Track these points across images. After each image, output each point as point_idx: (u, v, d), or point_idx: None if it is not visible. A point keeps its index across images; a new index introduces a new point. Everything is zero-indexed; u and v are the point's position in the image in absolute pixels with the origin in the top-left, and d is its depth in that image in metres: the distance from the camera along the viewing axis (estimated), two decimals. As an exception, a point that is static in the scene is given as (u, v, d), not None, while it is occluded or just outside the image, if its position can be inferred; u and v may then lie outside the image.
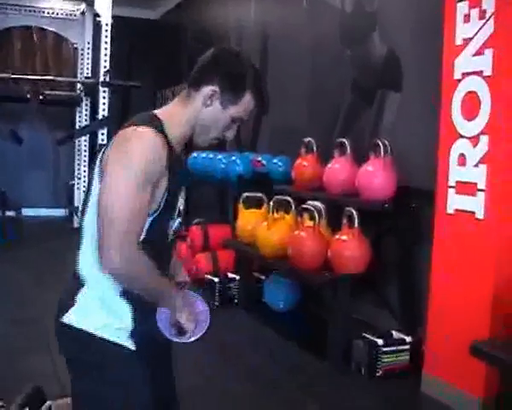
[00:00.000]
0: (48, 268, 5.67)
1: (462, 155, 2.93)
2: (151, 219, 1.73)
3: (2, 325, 4.14)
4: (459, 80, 2.94)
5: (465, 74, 2.91)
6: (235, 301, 4.70)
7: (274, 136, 5.34)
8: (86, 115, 7.14)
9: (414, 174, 3.61)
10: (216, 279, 4.67)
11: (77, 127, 7.09)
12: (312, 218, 3.69)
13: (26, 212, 7.70)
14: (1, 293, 4.95)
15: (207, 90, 1.86)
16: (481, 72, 2.81)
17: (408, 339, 3.44)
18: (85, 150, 7.16)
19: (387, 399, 3.22)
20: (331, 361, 3.55)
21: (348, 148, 3.86)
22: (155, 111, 1.86)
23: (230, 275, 4.76)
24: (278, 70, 5.22)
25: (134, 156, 1.66)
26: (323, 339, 3.64)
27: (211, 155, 5.26)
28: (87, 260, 1.82)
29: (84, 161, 7.12)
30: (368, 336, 3.44)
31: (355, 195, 3.71)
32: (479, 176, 2.83)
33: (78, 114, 7.18)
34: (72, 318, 1.84)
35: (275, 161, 4.89)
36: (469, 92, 2.88)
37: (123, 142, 1.70)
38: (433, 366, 3.16)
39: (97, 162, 1.74)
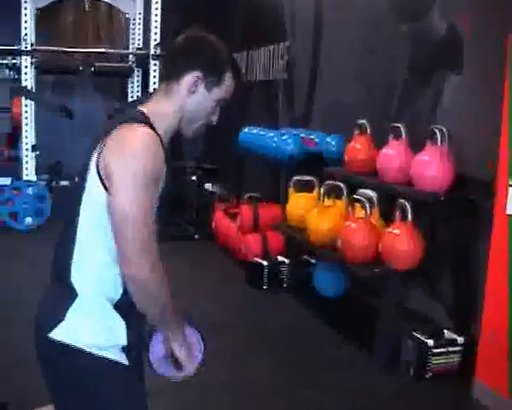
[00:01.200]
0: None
1: (525, 155, 2.73)
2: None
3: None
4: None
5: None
6: (284, 285, 4.61)
7: (327, 113, 5.16)
8: (138, 87, 7.05)
9: (473, 164, 3.42)
10: (265, 263, 4.58)
11: (129, 99, 7.02)
12: (364, 208, 3.54)
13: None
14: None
15: (190, 77, 1.81)
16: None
17: (460, 340, 3.29)
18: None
19: (435, 403, 3.10)
20: (378, 358, 3.44)
21: (403, 133, 3.67)
22: (140, 108, 1.79)
23: (280, 258, 4.66)
24: (332, 44, 5.02)
25: (140, 159, 1.63)
26: (372, 332, 3.52)
27: (262, 132, 5.12)
28: (83, 272, 1.76)
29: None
30: (418, 335, 3.30)
31: (409, 183, 3.54)
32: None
33: (130, 85, 7.09)
34: (61, 333, 1.77)
35: (328, 139, 4.72)
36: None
37: (124, 144, 1.66)
38: (485, 373, 3.01)
39: (92, 164, 1.67)
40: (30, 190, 5.61)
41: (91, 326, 1.78)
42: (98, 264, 1.77)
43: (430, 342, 3.24)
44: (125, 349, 1.81)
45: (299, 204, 4.24)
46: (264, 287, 4.57)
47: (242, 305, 4.37)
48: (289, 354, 3.60)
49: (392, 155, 3.71)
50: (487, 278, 3.00)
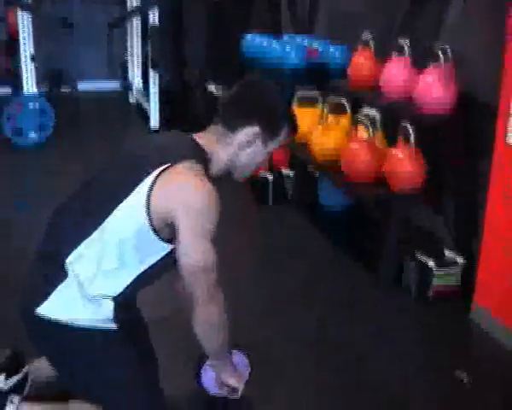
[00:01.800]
0: (102, 155, 5.63)
1: (526, 86, 2.70)
2: None
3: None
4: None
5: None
6: (289, 198, 4.65)
7: (331, 20, 5.05)
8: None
9: (477, 84, 3.37)
10: (270, 177, 4.60)
11: (128, 7, 6.89)
12: (367, 129, 3.53)
13: (82, 87, 7.65)
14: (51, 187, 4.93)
15: (248, 132, 1.92)
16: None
17: (460, 261, 3.35)
18: (137, 30, 6.97)
19: (434, 323, 3.19)
20: (381, 277, 3.52)
21: (407, 50, 3.61)
22: (198, 141, 1.90)
23: (285, 171, 4.68)
24: None
25: (208, 215, 1.80)
26: (375, 249, 3.58)
27: (265, 42, 5.03)
28: (82, 265, 1.85)
29: (137, 41, 6.94)
30: (420, 256, 3.36)
31: (413, 102, 3.51)
32: (545, 110, 2.62)
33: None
34: (47, 310, 1.87)
35: (331, 50, 4.65)
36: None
37: (190, 198, 1.79)
38: (483, 296, 3.10)
39: (140, 194, 1.79)
40: (32, 105, 5.55)
41: (79, 303, 1.87)
42: (102, 269, 1.85)
43: (431, 263, 3.30)
44: (114, 320, 1.92)
45: (304, 119, 4.19)
46: (270, 202, 4.60)
47: (249, 221, 4.40)
48: (294, 270, 3.66)
49: (395, 73, 3.66)
50: (487, 206, 3.02)
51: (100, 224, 1.82)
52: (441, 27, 3.70)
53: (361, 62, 3.99)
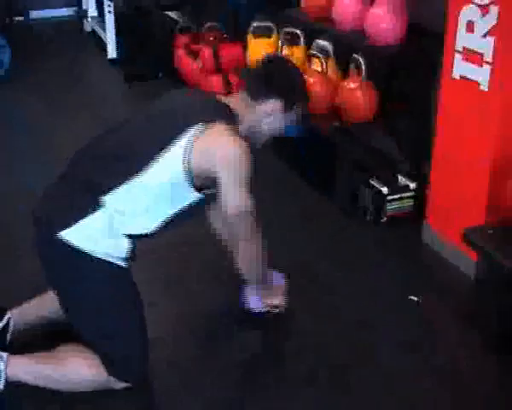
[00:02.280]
0: (61, 89, 5.65)
1: (470, 22, 2.82)
2: None
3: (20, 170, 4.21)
4: None
5: None
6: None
7: None
8: None
9: (427, 14, 3.47)
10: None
11: None
12: (320, 62, 3.64)
13: (34, 14, 7.53)
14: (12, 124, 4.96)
15: (271, 104, 2.27)
16: None
17: (412, 185, 3.53)
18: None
19: (389, 245, 3.38)
20: (337, 202, 3.69)
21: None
22: (225, 102, 2.24)
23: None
24: None
25: (244, 167, 2.12)
26: (331, 175, 3.72)
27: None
28: (117, 204, 2.10)
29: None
30: (374, 183, 3.53)
31: (364, 34, 3.60)
32: (486, 48, 2.75)
33: None
34: (72, 236, 2.09)
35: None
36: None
37: (227, 154, 2.10)
38: (434, 218, 3.28)
39: (176, 151, 2.07)
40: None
41: (100, 237, 2.11)
42: (134, 209, 2.13)
43: (385, 189, 3.48)
44: (125, 260, 2.17)
45: (259, 49, 4.30)
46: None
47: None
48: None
49: (347, 4, 3.73)
50: (436, 138, 3.18)
51: (141, 169, 2.08)
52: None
53: (313, -7, 4.03)
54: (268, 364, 2.56)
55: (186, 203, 2.19)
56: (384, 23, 3.45)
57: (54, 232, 2.09)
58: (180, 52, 5.58)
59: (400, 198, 3.51)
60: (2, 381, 2.22)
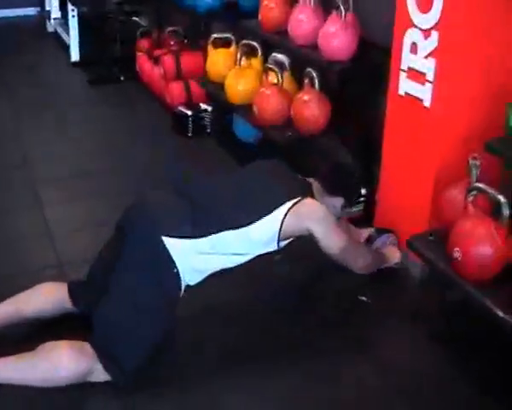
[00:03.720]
0: (27, 92, 5.75)
1: (414, 44, 3.05)
2: None
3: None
4: (414, -32, 2.96)
5: (420, -36, 2.93)
6: (208, 130, 4.94)
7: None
8: None
9: (377, 30, 3.68)
10: (189, 112, 4.87)
11: None
12: (276, 75, 3.84)
13: (-4, 13, 7.59)
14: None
15: (339, 201, 2.98)
16: (434, -33, 2.84)
17: (363, 191, 3.74)
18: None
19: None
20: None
21: (312, -4, 3.87)
22: (311, 187, 2.91)
23: (203, 106, 4.95)
24: None
25: (329, 216, 2.81)
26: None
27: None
28: (220, 245, 2.56)
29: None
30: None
31: (317, 48, 3.79)
32: (428, 68, 2.98)
33: None
34: (172, 244, 2.47)
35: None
36: (423, -16, 2.93)
37: (317, 213, 2.76)
38: (383, 223, 3.49)
39: (277, 215, 2.64)
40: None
41: (186, 259, 2.51)
42: (229, 251, 2.62)
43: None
44: (186, 288, 2.55)
45: (219, 60, 4.50)
46: (189, 134, 4.88)
47: (170, 153, 4.67)
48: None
49: (301, 19, 3.93)
50: (383, 145, 3.41)
51: (250, 223, 2.60)
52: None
53: (270, 6, 4.22)
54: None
55: (260, 253, 2.70)
56: (336, 39, 3.66)
57: (159, 233, 2.47)
58: (142, 57, 5.73)
59: (352, 203, 3.70)
60: None
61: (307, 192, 2.80)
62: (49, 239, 3.52)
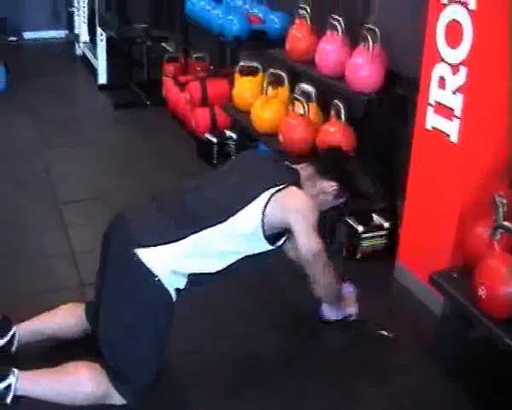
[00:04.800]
0: (53, 114, 5.82)
1: (442, 79, 3.04)
2: None
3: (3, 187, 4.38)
4: (445, 5, 2.97)
5: (451, 1, 2.93)
6: (233, 157, 4.95)
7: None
8: None
9: (403, 62, 3.69)
10: (214, 139, 4.89)
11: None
12: (303, 106, 3.85)
13: (28, 35, 7.71)
14: (3, 144, 5.11)
15: (330, 185, 2.69)
16: (466, 3, 2.85)
17: (386, 225, 3.74)
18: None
19: (363, 281, 3.53)
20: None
21: (340, 27, 3.89)
22: (297, 173, 2.67)
23: (228, 133, 4.97)
24: None
25: (313, 215, 2.56)
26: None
27: (207, 7, 5.24)
28: (200, 243, 2.43)
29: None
30: (349, 221, 3.74)
31: (344, 79, 3.80)
32: (456, 103, 2.97)
33: None
34: (145, 255, 2.38)
35: (272, 17, 4.91)
36: (454, 20, 2.93)
37: (299, 206, 2.53)
38: (405, 258, 3.49)
39: (258, 204, 2.46)
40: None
41: (167, 266, 2.41)
42: (213, 251, 2.48)
43: (360, 227, 3.69)
44: (178, 291, 2.47)
45: (245, 88, 4.52)
46: (214, 161, 4.90)
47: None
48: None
49: (329, 50, 3.95)
50: (408, 180, 3.40)
51: (227, 219, 2.45)
52: (372, 6, 3.99)
53: (298, 36, 4.25)
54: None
55: (250, 252, 2.55)
56: (363, 71, 3.67)
57: (130, 247, 2.39)
58: (168, 82, 5.78)
59: (374, 236, 3.71)
60: (11, 394, 2.41)
61: (293, 180, 2.59)
62: (72, 259, 3.56)
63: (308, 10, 4.19)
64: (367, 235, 3.70)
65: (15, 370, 2.45)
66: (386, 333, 3.11)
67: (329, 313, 3.01)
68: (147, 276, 2.38)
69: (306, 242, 2.54)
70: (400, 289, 3.49)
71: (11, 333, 2.68)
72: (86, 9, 7.02)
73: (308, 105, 3.83)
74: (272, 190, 2.48)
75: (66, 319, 2.77)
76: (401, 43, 3.71)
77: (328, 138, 3.74)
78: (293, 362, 2.91)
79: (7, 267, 3.45)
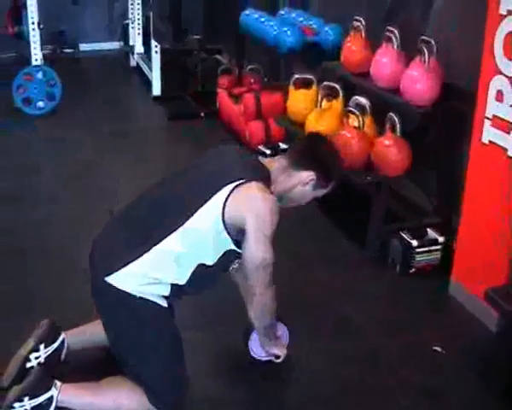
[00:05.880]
0: (107, 125, 5.90)
1: (500, 92, 2.99)
2: None
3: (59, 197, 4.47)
4: (504, 16, 2.93)
5: (510, 12, 2.89)
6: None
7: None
8: None
9: (460, 75, 3.65)
10: (268, 151, 4.89)
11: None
12: (358, 119, 3.83)
13: (84, 47, 7.86)
14: (59, 155, 5.21)
15: (306, 175, 2.48)
16: (526, 15, 2.80)
17: (440, 239, 3.68)
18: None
19: (416, 296, 3.53)
20: (369, 253, 3.85)
21: (395, 40, 3.86)
22: (266, 165, 2.48)
23: (282, 145, 4.97)
24: None
25: (269, 221, 2.31)
26: (364, 224, 3.88)
27: (262, 19, 5.26)
28: (169, 248, 2.31)
29: (138, 6, 7.12)
30: (404, 235, 3.69)
31: (399, 92, 3.78)
32: (514, 117, 2.92)
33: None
34: (117, 280, 2.32)
35: (326, 29, 4.91)
36: (512, 33, 2.88)
37: (257, 207, 2.31)
38: (460, 273, 3.43)
39: (218, 200, 2.30)
40: (40, 75, 5.80)
41: (143, 279, 2.34)
42: (178, 255, 2.34)
43: (414, 242, 3.64)
44: (166, 298, 2.40)
45: (299, 100, 4.51)
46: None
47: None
48: (292, 244, 3.92)
49: (384, 62, 3.92)
50: (464, 196, 3.35)
51: (187, 218, 2.31)
52: (428, 18, 3.95)
53: (353, 49, 4.23)
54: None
55: (221, 253, 2.39)
56: (419, 84, 3.64)
57: (103, 280, 2.34)
58: (222, 94, 5.81)
59: (429, 251, 3.66)
60: (54, 406, 2.45)
61: (259, 175, 2.39)
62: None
63: (363, 22, 4.16)
64: (421, 249, 3.64)
65: (58, 382, 2.48)
66: (439, 349, 3.05)
67: (257, 349, 2.77)
68: (127, 299, 2.33)
69: (253, 246, 2.29)
70: (455, 305, 3.43)
71: (60, 339, 2.71)
72: (141, 21, 7.11)
73: (363, 118, 3.79)
74: (233, 185, 2.31)
75: None
76: (458, 55, 3.66)
77: (384, 152, 3.70)
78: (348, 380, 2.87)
79: (59, 273, 3.53)
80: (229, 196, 2.30)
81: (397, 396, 2.79)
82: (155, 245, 2.32)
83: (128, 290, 2.33)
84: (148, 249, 2.32)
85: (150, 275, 2.35)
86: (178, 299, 2.54)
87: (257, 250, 2.30)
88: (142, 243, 2.35)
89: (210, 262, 2.39)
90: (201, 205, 2.31)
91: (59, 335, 2.72)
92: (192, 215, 2.31)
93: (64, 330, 2.75)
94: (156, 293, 2.38)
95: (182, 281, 2.39)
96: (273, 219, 2.32)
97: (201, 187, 2.39)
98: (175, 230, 2.32)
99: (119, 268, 2.32)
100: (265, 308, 2.47)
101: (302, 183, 2.49)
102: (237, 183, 2.32)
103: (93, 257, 2.46)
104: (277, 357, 2.74)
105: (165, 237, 2.32)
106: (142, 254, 2.32)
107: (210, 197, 2.31)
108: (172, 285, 2.41)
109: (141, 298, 2.34)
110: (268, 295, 2.42)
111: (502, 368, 2.83)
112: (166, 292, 2.40)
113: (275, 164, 2.51)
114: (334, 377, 2.89)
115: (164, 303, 2.42)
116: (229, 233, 2.34)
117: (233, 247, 2.38)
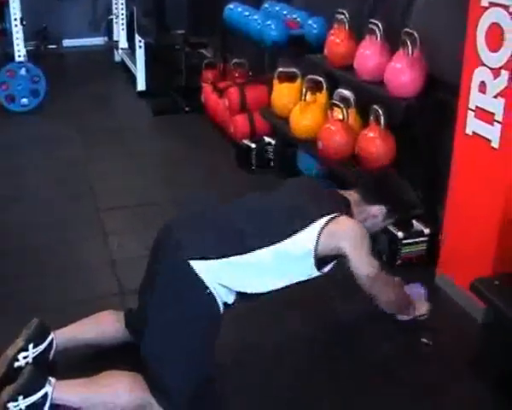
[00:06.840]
0: (93, 121, 5.89)
1: (482, 83, 3.00)
2: None
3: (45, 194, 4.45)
4: (485, 8, 2.94)
5: (492, 4, 2.90)
6: (271, 164, 4.95)
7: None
8: None
9: (443, 67, 3.65)
10: (253, 145, 4.90)
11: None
12: (342, 111, 3.83)
13: (67, 43, 7.82)
14: (46, 153, 5.20)
15: (376, 209, 2.80)
16: (506, 6, 2.81)
17: (426, 231, 3.70)
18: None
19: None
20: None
21: (378, 32, 3.86)
22: (346, 201, 2.74)
23: (267, 139, 4.97)
24: None
25: (365, 242, 2.61)
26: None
27: (246, 12, 5.25)
28: (261, 259, 2.47)
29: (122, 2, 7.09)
30: (390, 228, 3.70)
31: (383, 85, 3.79)
32: (496, 108, 2.93)
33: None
34: (199, 267, 2.41)
35: (310, 22, 4.90)
36: (494, 24, 2.89)
37: (354, 234, 2.59)
38: (446, 264, 3.45)
39: (312, 232, 2.50)
40: (24, 72, 5.77)
41: (218, 279, 2.44)
42: (258, 272, 2.53)
43: (400, 234, 3.65)
44: (226, 305, 2.50)
45: (284, 94, 4.52)
46: (253, 167, 4.91)
47: (234, 187, 4.65)
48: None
49: (367, 55, 3.93)
50: (449, 188, 3.36)
51: (283, 239, 2.49)
52: (411, 11, 3.96)
53: (336, 41, 4.24)
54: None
55: (299, 279, 2.62)
56: (403, 76, 3.65)
57: (183, 259, 2.41)
58: (207, 88, 5.80)
59: (415, 243, 3.67)
60: (48, 403, 2.43)
61: (343, 209, 2.66)
62: (112, 267, 3.59)
63: (346, 15, 4.16)
64: (407, 241, 3.65)
65: (52, 379, 2.47)
66: (426, 341, 3.06)
67: (400, 316, 3.04)
68: (199, 287, 2.41)
69: (361, 267, 2.58)
70: (441, 296, 3.43)
71: (49, 339, 2.69)
72: (125, 17, 7.08)
73: (347, 111, 3.80)
74: (328, 217, 2.53)
75: (103, 326, 2.79)
76: (441, 47, 3.66)
77: (368, 144, 3.71)
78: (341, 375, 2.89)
79: (47, 274, 3.50)
80: (324, 227, 2.51)
81: (383, 388, 2.79)
82: (248, 252, 2.46)
83: (205, 280, 2.41)
84: (241, 253, 2.45)
85: (228, 277, 2.47)
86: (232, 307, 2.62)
87: (366, 268, 2.58)
88: (235, 246, 2.46)
89: (282, 282, 2.59)
90: (301, 229, 2.50)
91: (48, 334, 2.71)
92: (289, 237, 2.48)
93: (53, 330, 2.74)
94: (223, 298, 2.49)
95: (250, 291, 2.55)
96: (367, 238, 2.61)
97: (300, 213, 2.57)
98: (265, 246, 2.47)
99: (206, 258, 2.41)
100: (395, 303, 2.86)
101: (374, 215, 2.78)
102: (331, 215, 2.54)
103: (176, 235, 2.51)
104: (423, 315, 3.04)
105: (260, 247, 2.47)
106: (234, 255, 2.45)
107: (308, 225, 2.50)
108: (238, 294, 2.54)
109: (210, 293, 2.43)
110: (391, 292, 2.79)
111: (489, 358, 2.84)
112: (230, 300, 2.52)
113: (350, 196, 2.77)
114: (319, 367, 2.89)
115: (221, 310, 2.51)
116: (316, 260, 2.54)
117: (315, 273, 2.60)
